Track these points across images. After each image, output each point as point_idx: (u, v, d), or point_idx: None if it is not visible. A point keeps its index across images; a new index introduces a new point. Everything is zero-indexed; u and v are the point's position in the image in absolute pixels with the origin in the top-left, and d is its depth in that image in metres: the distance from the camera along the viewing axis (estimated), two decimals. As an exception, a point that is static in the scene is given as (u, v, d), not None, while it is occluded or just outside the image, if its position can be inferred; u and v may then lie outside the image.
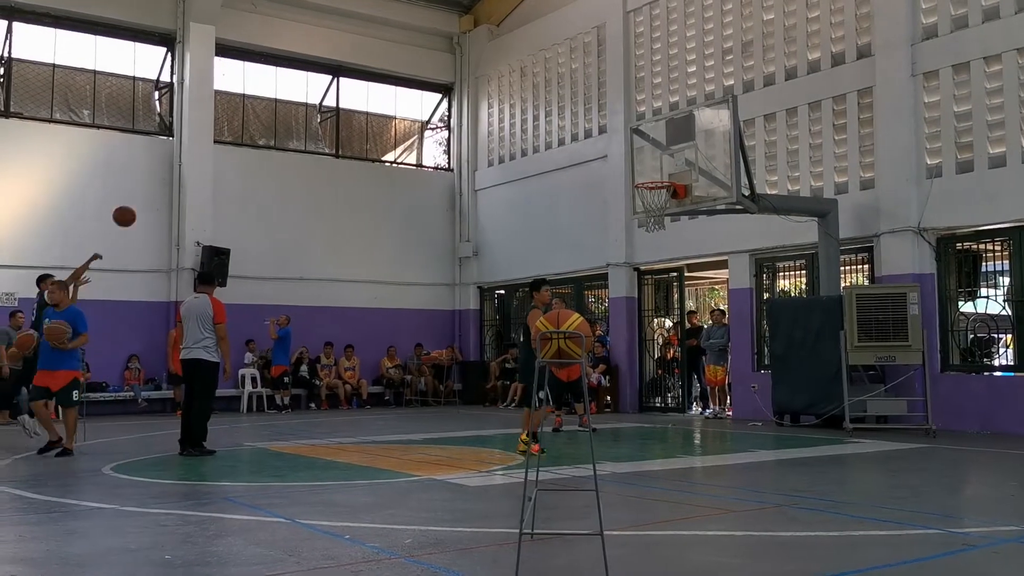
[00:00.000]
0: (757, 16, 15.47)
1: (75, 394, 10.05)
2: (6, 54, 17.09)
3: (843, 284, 13.74)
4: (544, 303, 10.00)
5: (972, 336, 13.01)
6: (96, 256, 11.63)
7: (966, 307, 13.10)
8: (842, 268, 13.90)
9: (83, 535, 5.74)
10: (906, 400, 12.48)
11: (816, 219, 13.55)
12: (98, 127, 17.94)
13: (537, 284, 10.34)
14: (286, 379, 17.98)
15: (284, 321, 17.89)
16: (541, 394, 8.88)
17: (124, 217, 11.06)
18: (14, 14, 17.10)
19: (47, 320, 10.11)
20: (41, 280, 11.79)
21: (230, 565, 4.94)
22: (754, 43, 15.52)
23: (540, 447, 9.38)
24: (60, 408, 11.14)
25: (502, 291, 21.36)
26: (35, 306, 11.71)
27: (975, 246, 13.02)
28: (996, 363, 12.98)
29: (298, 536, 5.59)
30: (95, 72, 18.04)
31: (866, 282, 13.98)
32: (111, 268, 17.26)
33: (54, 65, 17.61)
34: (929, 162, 13.17)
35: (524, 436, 9.64)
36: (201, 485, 8.17)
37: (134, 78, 18.49)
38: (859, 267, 14.40)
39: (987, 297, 12.98)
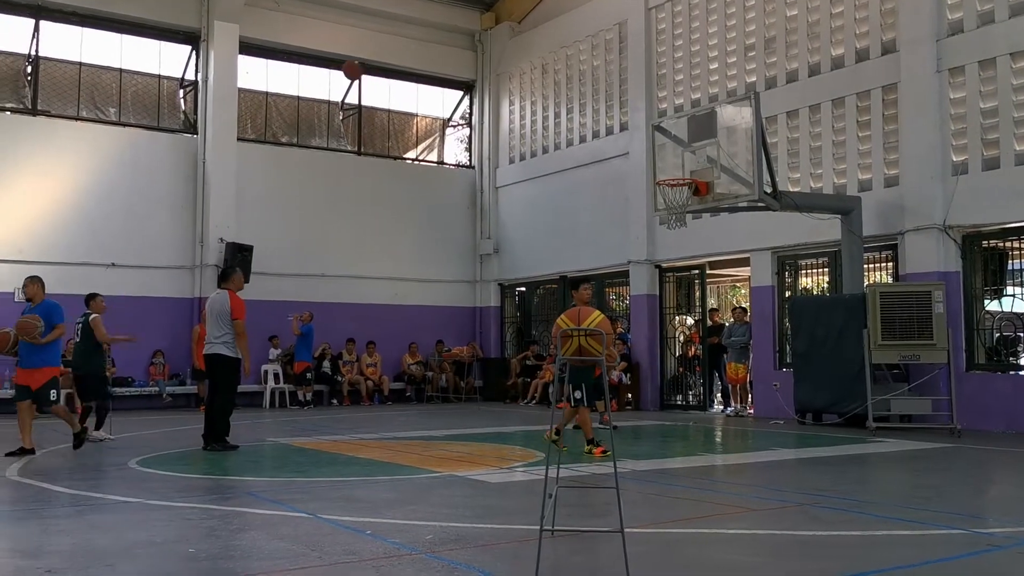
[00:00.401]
0: (780, 12, 15.38)
1: (53, 393, 9.63)
2: (34, 52, 17.28)
3: (866, 282, 13.64)
4: (584, 302, 9.76)
5: (998, 335, 12.88)
6: (132, 339, 11.59)
7: (992, 305, 12.97)
8: (865, 266, 13.81)
9: (109, 528, 5.82)
10: (931, 399, 12.38)
11: (839, 216, 13.46)
12: (124, 125, 18.11)
13: (576, 283, 10.11)
14: (308, 375, 18.08)
15: (307, 317, 17.98)
16: (577, 394, 8.83)
17: (352, 71, 10.50)
18: (41, 13, 17.28)
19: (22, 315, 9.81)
20: (90, 299, 11.74)
21: (253, 559, 4.99)
22: (777, 39, 15.43)
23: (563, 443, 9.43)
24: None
25: (523, 288, 21.37)
26: (78, 324, 11.55)
27: (1001, 244, 12.88)
28: (1022, 362, 12.85)
29: (320, 531, 5.64)
30: (121, 70, 18.20)
31: (890, 280, 13.88)
32: (136, 264, 17.54)
33: (80, 63, 17.79)
34: (955, 159, 13.05)
35: (590, 444, 9.58)
36: (224, 480, 8.25)
37: (159, 76, 18.64)
38: (883, 265, 14.28)
39: (1013, 295, 12.84)
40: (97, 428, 11.13)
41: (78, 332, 11.26)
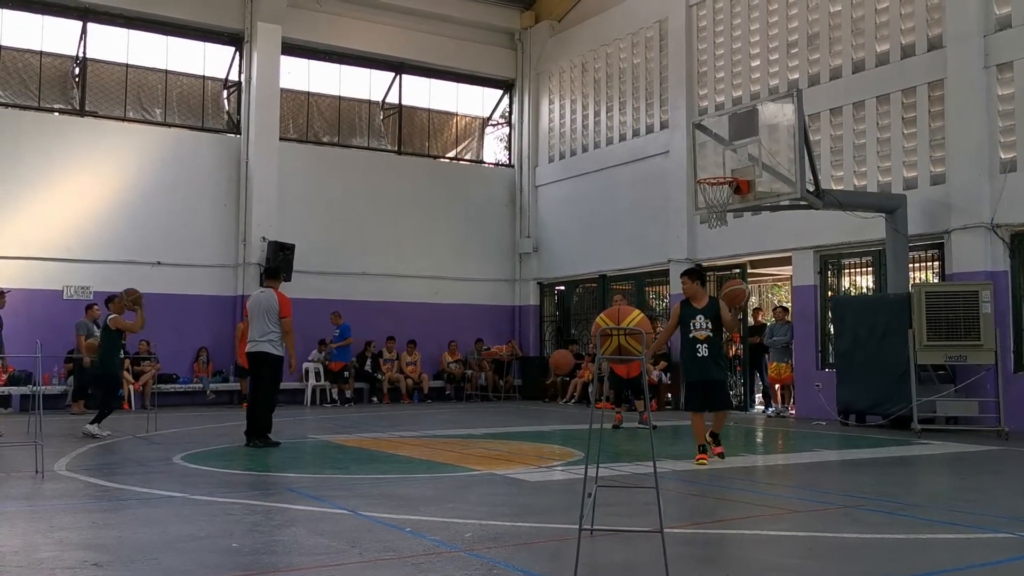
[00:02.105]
0: (823, 8, 15.20)
1: None
2: (81, 54, 17.60)
3: (911, 282, 13.44)
4: (692, 295, 9.06)
5: (1047, 335, 12.63)
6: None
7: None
8: (910, 265, 13.60)
9: (153, 522, 5.91)
10: (977, 401, 12.16)
11: (883, 215, 13.27)
12: (169, 125, 18.38)
13: (692, 273, 9.28)
14: (346, 373, 18.18)
15: (336, 319, 18.08)
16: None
17: (735, 297, 9.74)
18: (88, 15, 17.60)
19: None
20: (108, 301, 12.03)
21: (294, 554, 5.05)
22: (820, 35, 15.25)
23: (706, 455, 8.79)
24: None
25: (562, 287, 21.35)
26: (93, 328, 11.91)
27: (1051, 243, 12.63)
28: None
29: (360, 528, 5.68)
30: (166, 72, 18.47)
31: (935, 279, 13.66)
32: (180, 263, 17.81)
33: (127, 65, 18.09)
34: (1003, 156, 12.80)
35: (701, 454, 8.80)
36: (266, 476, 8.34)
37: (203, 77, 18.90)
38: (928, 264, 14.06)
39: (1063, 295, 12.58)
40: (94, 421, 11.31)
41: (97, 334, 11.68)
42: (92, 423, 11.25)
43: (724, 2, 16.97)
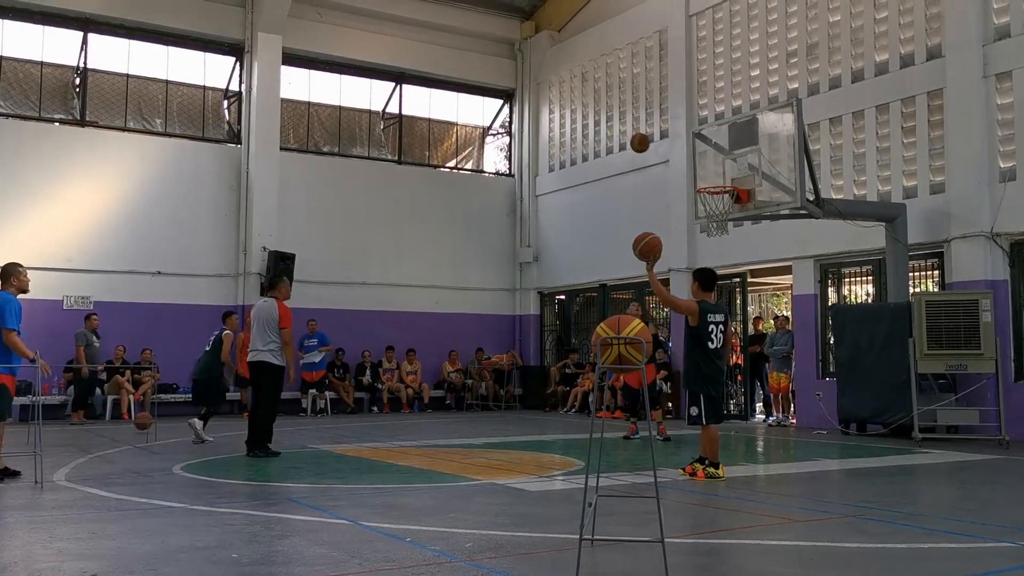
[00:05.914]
0: (823, 18, 15.24)
1: None
2: (82, 65, 17.64)
3: (911, 290, 13.44)
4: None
5: (1048, 344, 12.62)
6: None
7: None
8: (910, 274, 13.61)
9: (153, 533, 5.90)
10: (978, 410, 12.16)
11: (883, 224, 13.28)
12: (169, 135, 18.39)
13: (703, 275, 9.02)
14: (327, 380, 17.97)
15: (312, 327, 17.89)
16: (694, 410, 8.38)
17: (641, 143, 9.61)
18: (89, 25, 17.63)
19: None
20: (226, 317, 13.06)
21: (294, 565, 5.04)
22: (819, 45, 15.28)
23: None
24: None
25: (562, 296, 21.35)
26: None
27: (1051, 251, 12.64)
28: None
29: (360, 537, 5.67)
30: (167, 82, 18.50)
31: (935, 288, 13.66)
32: (181, 273, 17.80)
33: (128, 75, 18.11)
34: (1002, 165, 12.81)
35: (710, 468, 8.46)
36: (266, 486, 8.32)
37: (204, 87, 18.92)
38: (928, 273, 14.07)
39: (1064, 304, 12.57)
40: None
41: (210, 343, 12.64)
42: (199, 419, 11.71)
43: (724, 12, 17.01)
